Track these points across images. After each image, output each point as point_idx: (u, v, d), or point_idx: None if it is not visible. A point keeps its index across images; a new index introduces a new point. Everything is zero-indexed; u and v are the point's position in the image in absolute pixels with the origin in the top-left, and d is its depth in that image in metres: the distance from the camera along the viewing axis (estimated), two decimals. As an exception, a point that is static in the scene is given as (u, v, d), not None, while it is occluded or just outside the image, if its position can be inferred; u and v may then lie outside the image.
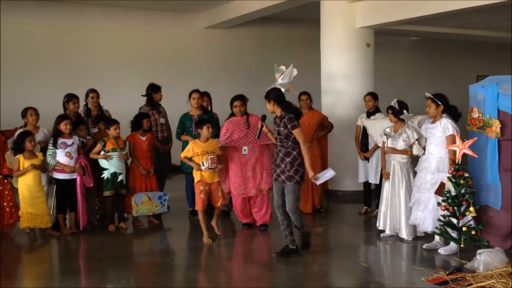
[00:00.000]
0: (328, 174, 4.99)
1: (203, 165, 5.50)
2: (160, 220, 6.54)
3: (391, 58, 13.10)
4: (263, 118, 5.13)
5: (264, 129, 5.11)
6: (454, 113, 5.20)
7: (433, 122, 5.20)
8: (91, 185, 5.99)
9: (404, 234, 5.50)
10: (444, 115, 5.14)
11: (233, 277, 4.81)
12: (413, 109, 5.76)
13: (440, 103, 5.12)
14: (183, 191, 6.77)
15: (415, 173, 5.50)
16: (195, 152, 5.54)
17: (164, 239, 6.10)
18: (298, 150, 4.85)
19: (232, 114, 6.06)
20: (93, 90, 6.69)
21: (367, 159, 6.64)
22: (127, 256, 5.37)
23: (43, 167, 5.79)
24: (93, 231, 6.14)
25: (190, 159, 5.63)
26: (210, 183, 5.56)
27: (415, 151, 5.48)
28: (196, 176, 5.56)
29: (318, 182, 5.03)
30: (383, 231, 5.69)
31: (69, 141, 5.85)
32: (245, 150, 5.92)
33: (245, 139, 5.90)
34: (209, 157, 5.50)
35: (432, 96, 5.16)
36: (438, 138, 5.11)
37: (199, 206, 5.56)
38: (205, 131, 5.56)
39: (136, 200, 6.21)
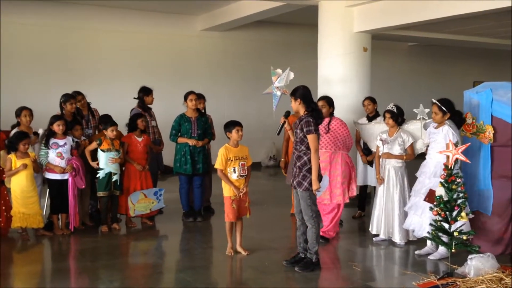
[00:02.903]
0: (325, 182, 4.72)
1: (234, 172, 5.02)
2: (153, 221, 6.54)
3: (388, 63, 13.15)
4: (287, 114, 4.84)
5: (286, 126, 4.82)
6: (459, 119, 5.14)
7: (436, 128, 5.17)
8: (83, 186, 5.98)
9: (397, 238, 5.51)
10: (447, 121, 5.08)
11: (225, 278, 4.81)
12: (409, 114, 5.77)
13: (447, 111, 5.05)
14: (177, 193, 6.76)
15: (412, 178, 5.49)
16: (228, 157, 5.03)
17: (157, 241, 6.08)
18: (309, 156, 4.58)
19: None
20: (79, 93, 6.62)
21: (370, 163, 6.62)
22: (119, 257, 5.36)
23: (37, 167, 5.79)
24: (86, 231, 6.13)
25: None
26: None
27: (419, 145, 5.47)
28: (227, 190, 5.09)
29: (319, 195, 4.74)
30: (376, 235, 5.70)
31: (61, 142, 5.84)
32: None
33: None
34: (241, 163, 5.03)
35: (439, 104, 5.06)
36: (439, 144, 5.09)
37: (231, 217, 5.09)
38: (234, 134, 5.04)
39: (132, 200, 6.21)
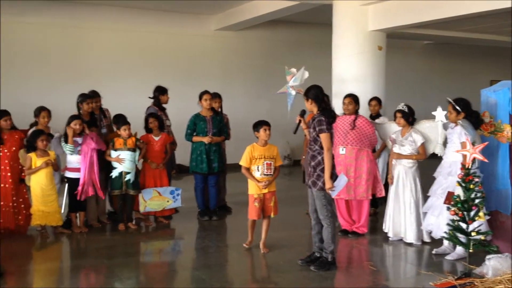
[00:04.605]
0: (342, 181, 4.69)
1: (258, 171, 5.11)
2: (169, 220, 6.58)
3: (402, 61, 13.05)
4: (302, 113, 4.92)
5: (301, 124, 4.88)
6: (475, 120, 5.07)
7: (453, 127, 5.13)
8: (105, 147, 6.03)
9: (409, 238, 5.49)
10: (460, 121, 5.01)
11: (241, 276, 4.82)
12: (425, 114, 5.73)
13: (460, 111, 5.00)
14: (192, 192, 6.79)
15: (427, 178, 5.45)
16: (252, 155, 5.12)
17: (173, 239, 6.14)
18: (323, 155, 4.59)
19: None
20: (98, 94, 6.63)
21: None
22: (135, 255, 5.42)
23: (56, 166, 5.87)
24: (103, 229, 6.21)
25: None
26: (264, 192, 5.17)
27: (437, 150, 5.45)
28: (251, 188, 5.20)
29: (334, 194, 4.72)
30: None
31: (80, 140, 5.92)
32: (342, 149, 5.68)
33: (344, 139, 5.69)
34: (265, 162, 5.10)
35: (453, 103, 5.02)
36: (454, 144, 5.05)
37: (252, 215, 5.21)
38: (262, 133, 5.14)
39: (144, 196, 6.25)
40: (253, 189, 5.19)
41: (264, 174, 5.14)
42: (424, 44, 13.92)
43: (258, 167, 5.13)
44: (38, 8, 9.59)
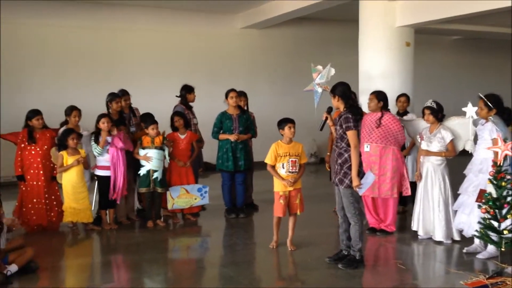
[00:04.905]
0: (369, 179, 4.65)
1: (283, 168, 5.14)
2: (196, 217, 6.65)
3: (430, 57, 12.84)
4: (329, 110, 4.89)
5: (328, 121, 4.85)
6: (507, 116, 4.95)
7: (484, 124, 5.02)
8: (132, 147, 6.14)
9: (438, 237, 5.41)
10: (491, 117, 4.90)
11: (268, 273, 4.84)
12: (455, 110, 5.63)
13: (492, 107, 4.90)
14: (219, 190, 6.84)
15: (456, 176, 5.36)
16: (277, 153, 5.15)
17: (200, 236, 6.20)
18: (350, 153, 4.57)
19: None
20: (127, 93, 6.78)
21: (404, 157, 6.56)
22: (164, 252, 5.50)
23: (86, 163, 6.00)
24: (132, 226, 6.32)
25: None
26: (290, 190, 5.19)
27: (468, 146, 5.34)
28: (277, 185, 5.23)
29: (361, 192, 4.69)
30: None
31: (109, 138, 6.03)
32: (367, 147, 5.60)
33: (369, 136, 5.61)
34: (290, 159, 5.13)
35: (485, 99, 4.92)
36: (485, 141, 4.95)
37: (278, 212, 5.21)
38: (287, 131, 5.17)
39: (172, 194, 6.33)
40: (279, 187, 5.21)
41: (289, 172, 5.15)
42: (453, 39, 13.67)
43: (283, 164, 5.15)
44: (72, 10, 9.85)
